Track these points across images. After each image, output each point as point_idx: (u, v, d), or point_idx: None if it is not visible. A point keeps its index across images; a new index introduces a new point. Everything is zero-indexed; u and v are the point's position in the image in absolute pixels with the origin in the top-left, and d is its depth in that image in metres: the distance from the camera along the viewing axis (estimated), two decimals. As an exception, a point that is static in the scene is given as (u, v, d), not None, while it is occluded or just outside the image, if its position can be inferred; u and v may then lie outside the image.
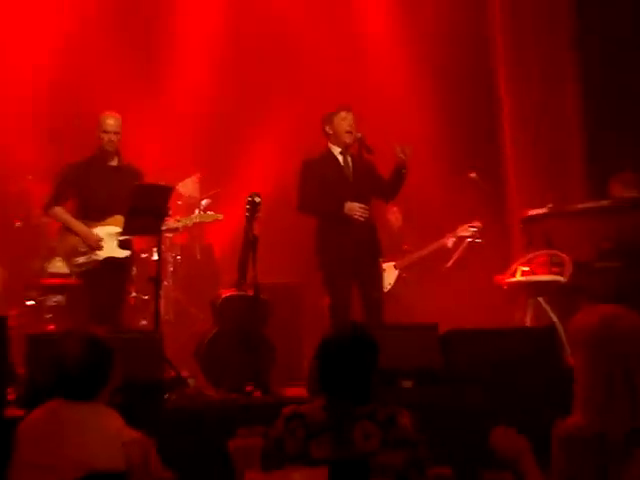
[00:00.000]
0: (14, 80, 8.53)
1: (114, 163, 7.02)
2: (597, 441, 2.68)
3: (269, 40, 9.35)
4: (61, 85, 8.59)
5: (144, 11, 9.32)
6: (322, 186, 6.80)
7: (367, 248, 6.79)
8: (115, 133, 6.96)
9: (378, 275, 7.08)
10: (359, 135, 6.81)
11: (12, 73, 8.51)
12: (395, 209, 8.30)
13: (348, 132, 6.82)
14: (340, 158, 6.91)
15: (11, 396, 5.21)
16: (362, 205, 6.70)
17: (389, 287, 8.15)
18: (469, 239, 8.27)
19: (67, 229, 6.95)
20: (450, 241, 8.25)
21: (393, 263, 8.19)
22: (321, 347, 3.43)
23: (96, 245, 6.82)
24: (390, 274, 8.21)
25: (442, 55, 9.28)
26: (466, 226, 8.16)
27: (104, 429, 3.43)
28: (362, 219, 6.68)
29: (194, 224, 7.94)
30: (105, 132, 6.93)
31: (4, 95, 8.40)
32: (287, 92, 9.17)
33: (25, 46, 8.65)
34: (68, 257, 6.97)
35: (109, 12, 9.09)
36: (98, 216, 6.87)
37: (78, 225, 6.87)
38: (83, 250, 6.86)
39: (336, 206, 6.70)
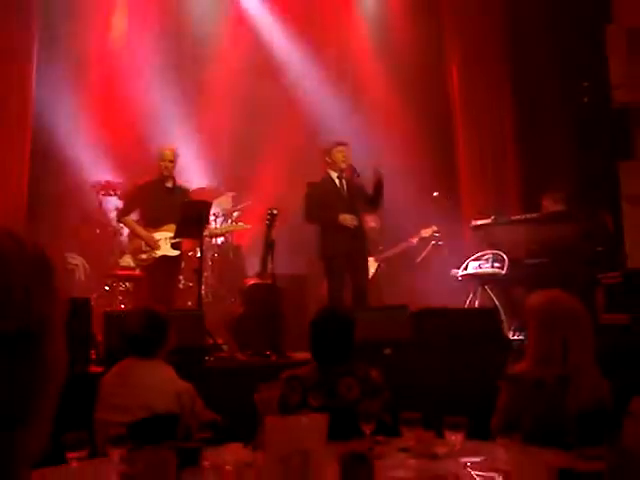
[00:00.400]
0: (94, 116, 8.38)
1: (169, 185, 7.03)
2: (535, 382, 2.75)
3: (280, 90, 9.24)
4: (125, 117, 8.43)
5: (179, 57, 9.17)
6: (322, 202, 6.84)
7: (357, 248, 6.83)
8: (171, 162, 6.97)
9: (366, 269, 7.11)
10: (350, 163, 6.86)
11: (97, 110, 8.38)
12: (374, 217, 8.25)
13: (343, 162, 6.86)
14: (337, 181, 6.94)
15: (93, 357, 5.22)
16: (352, 216, 6.75)
17: (370, 276, 8.18)
18: (433, 242, 8.27)
19: (134, 233, 6.97)
20: (415, 240, 8.23)
21: (373, 258, 8.20)
22: (311, 324, 3.47)
23: (155, 246, 6.83)
24: (371, 266, 8.22)
25: (412, 102, 9.24)
26: (426, 229, 8.17)
27: (163, 379, 3.48)
28: (352, 226, 6.73)
29: (228, 230, 7.96)
30: (163, 161, 6.94)
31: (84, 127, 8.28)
32: (293, 129, 9.10)
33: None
34: (134, 254, 7.00)
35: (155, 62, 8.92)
36: (156, 224, 6.88)
37: (142, 231, 6.88)
38: (145, 249, 6.87)
39: (333, 217, 6.74)
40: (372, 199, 6.95)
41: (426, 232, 8.16)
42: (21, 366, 1.09)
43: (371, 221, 8.57)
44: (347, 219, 6.74)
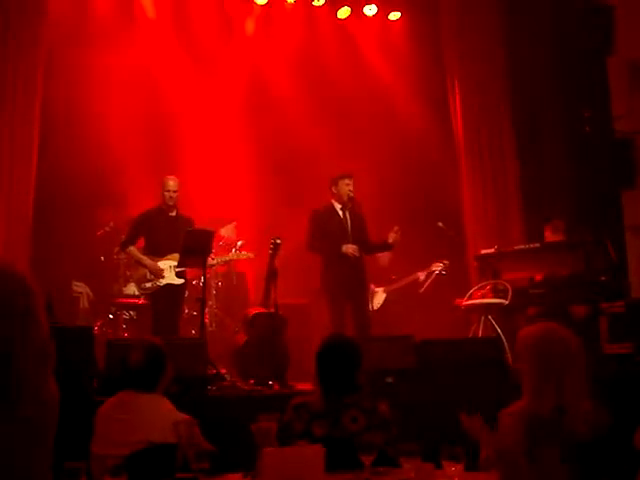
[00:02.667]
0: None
1: (173, 214, 7.05)
2: (532, 416, 2.74)
3: (283, 120, 9.27)
4: (125, 147, 8.43)
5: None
6: (325, 231, 6.85)
7: (358, 278, 6.84)
8: (174, 191, 7.00)
9: (365, 298, 7.11)
10: (352, 195, 6.89)
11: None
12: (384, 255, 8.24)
13: (348, 194, 6.88)
14: (341, 213, 6.97)
15: (95, 385, 5.18)
16: (355, 246, 6.77)
17: (379, 306, 8.18)
18: (437, 272, 8.26)
19: (138, 262, 6.97)
20: (423, 274, 8.19)
21: (382, 288, 8.19)
22: (317, 352, 3.44)
23: (159, 275, 6.83)
24: (380, 296, 8.22)
25: (413, 133, 9.29)
26: (437, 263, 8.15)
27: (161, 413, 3.43)
28: (354, 257, 6.74)
29: (231, 259, 7.96)
30: (167, 191, 6.97)
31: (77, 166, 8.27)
32: (296, 157, 9.11)
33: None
34: (138, 283, 7.00)
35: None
36: (160, 253, 6.89)
37: (146, 260, 6.89)
38: (149, 278, 6.88)
39: (335, 247, 6.75)
40: (370, 245, 7.02)
41: (436, 267, 8.13)
42: None
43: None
44: (349, 249, 6.76)
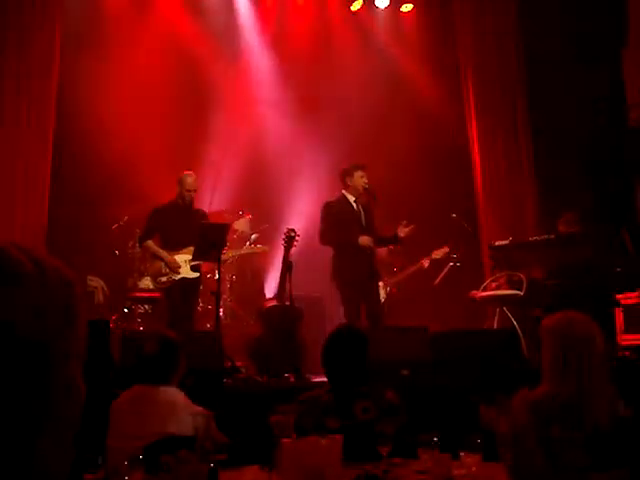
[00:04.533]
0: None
1: (188, 207, 7.06)
2: (551, 400, 2.78)
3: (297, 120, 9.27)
4: (137, 151, 8.45)
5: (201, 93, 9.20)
6: (339, 223, 6.82)
7: (369, 271, 6.80)
8: (194, 190, 7.02)
9: (377, 290, 7.08)
10: (367, 187, 6.84)
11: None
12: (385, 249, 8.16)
13: (363, 185, 6.85)
14: (354, 205, 6.92)
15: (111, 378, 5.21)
16: (370, 238, 6.74)
17: (382, 300, 8.09)
18: (451, 263, 8.20)
19: (154, 256, 6.98)
20: (426, 263, 8.03)
21: (381, 282, 8.09)
22: (325, 344, 3.43)
23: (176, 268, 6.85)
24: (381, 290, 8.15)
25: (430, 126, 9.27)
26: (438, 251, 8.04)
27: (176, 406, 3.42)
28: (369, 249, 6.72)
29: (246, 253, 7.96)
30: (187, 190, 6.97)
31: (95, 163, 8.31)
32: (314, 153, 9.10)
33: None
34: (154, 277, 7.00)
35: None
36: (176, 246, 6.90)
37: (163, 253, 6.90)
38: (165, 272, 6.89)
39: (350, 239, 6.72)
40: (381, 239, 6.98)
41: (437, 254, 7.99)
42: (34, 384, 1.07)
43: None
44: (365, 240, 6.72)
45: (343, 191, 6.99)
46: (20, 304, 1.06)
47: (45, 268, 1.12)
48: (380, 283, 7.75)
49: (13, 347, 1.05)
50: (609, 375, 2.89)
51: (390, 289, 8.13)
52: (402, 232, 6.89)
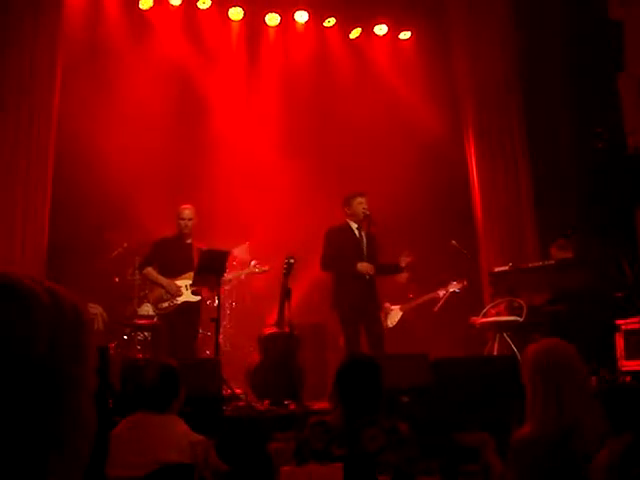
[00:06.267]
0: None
1: (189, 241, 7.10)
2: (537, 441, 2.68)
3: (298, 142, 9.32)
4: (136, 181, 8.47)
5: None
6: (341, 250, 6.84)
7: (370, 297, 6.81)
8: (189, 219, 7.05)
9: (378, 317, 7.08)
10: (368, 213, 6.87)
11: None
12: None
13: (363, 213, 6.87)
14: (357, 232, 6.95)
15: (111, 406, 5.19)
16: (371, 266, 6.76)
17: (394, 324, 8.13)
18: (452, 290, 8.23)
19: (154, 283, 7.01)
20: (442, 293, 8.15)
21: (399, 306, 8.15)
22: (338, 370, 3.41)
23: (177, 293, 6.88)
24: (396, 314, 8.17)
25: (428, 150, 9.30)
26: (456, 283, 8.12)
27: (176, 434, 3.42)
28: (368, 276, 6.73)
29: (246, 277, 7.96)
30: (182, 219, 7.03)
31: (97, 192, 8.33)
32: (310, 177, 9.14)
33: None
34: (156, 302, 7.03)
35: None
36: (175, 274, 6.93)
37: (164, 280, 6.95)
38: (166, 298, 6.91)
39: (350, 267, 6.74)
40: (383, 268, 6.99)
41: (455, 287, 8.11)
42: (46, 412, 1.08)
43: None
44: (364, 267, 6.74)
45: (346, 219, 7.03)
46: (37, 335, 1.08)
47: (59, 299, 1.14)
48: (397, 306, 7.79)
49: (29, 375, 1.06)
50: (594, 403, 2.80)
51: (404, 314, 8.18)
52: (403, 262, 6.92)
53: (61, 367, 1.10)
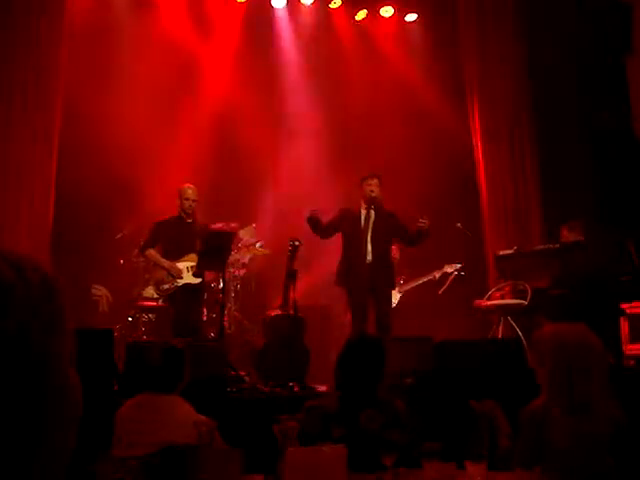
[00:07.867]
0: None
1: (190, 221, 7.08)
2: (547, 413, 2.78)
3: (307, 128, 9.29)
4: (140, 164, 8.43)
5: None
6: (342, 229, 6.84)
7: (381, 279, 6.77)
8: (193, 200, 7.04)
9: (389, 299, 7.03)
10: (373, 195, 6.83)
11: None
12: (394, 248, 8.18)
13: (370, 194, 6.84)
14: (363, 212, 6.90)
15: (116, 388, 5.20)
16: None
17: (393, 306, 8.12)
18: (455, 272, 8.21)
19: (157, 264, 7.01)
20: (438, 275, 8.13)
21: (397, 289, 8.13)
22: (344, 348, 3.41)
23: (178, 274, 6.87)
24: (395, 296, 8.15)
25: (435, 136, 9.27)
26: (451, 265, 8.11)
27: (181, 415, 3.42)
28: (370, 260, 6.69)
29: (250, 260, 7.96)
30: (186, 199, 7.01)
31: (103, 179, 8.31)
32: (320, 159, 9.12)
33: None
34: (157, 284, 7.03)
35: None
36: (177, 255, 6.95)
37: (165, 261, 6.95)
38: (167, 280, 6.91)
39: (350, 246, 6.73)
40: (410, 238, 6.97)
41: (450, 268, 8.10)
42: (27, 393, 1.07)
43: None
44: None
45: (361, 200, 7.02)
46: (3, 315, 1.05)
47: (26, 271, 1.11)
48: (395, 289, 7.78)
49: (2, 358, 1.04)
50: (610, 388, 2.84)
51: (402, 296, 8.17)
52: (421, 223, 6.81)
53: (36, 342, 1.08)
